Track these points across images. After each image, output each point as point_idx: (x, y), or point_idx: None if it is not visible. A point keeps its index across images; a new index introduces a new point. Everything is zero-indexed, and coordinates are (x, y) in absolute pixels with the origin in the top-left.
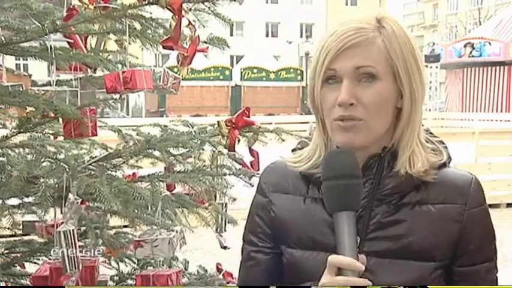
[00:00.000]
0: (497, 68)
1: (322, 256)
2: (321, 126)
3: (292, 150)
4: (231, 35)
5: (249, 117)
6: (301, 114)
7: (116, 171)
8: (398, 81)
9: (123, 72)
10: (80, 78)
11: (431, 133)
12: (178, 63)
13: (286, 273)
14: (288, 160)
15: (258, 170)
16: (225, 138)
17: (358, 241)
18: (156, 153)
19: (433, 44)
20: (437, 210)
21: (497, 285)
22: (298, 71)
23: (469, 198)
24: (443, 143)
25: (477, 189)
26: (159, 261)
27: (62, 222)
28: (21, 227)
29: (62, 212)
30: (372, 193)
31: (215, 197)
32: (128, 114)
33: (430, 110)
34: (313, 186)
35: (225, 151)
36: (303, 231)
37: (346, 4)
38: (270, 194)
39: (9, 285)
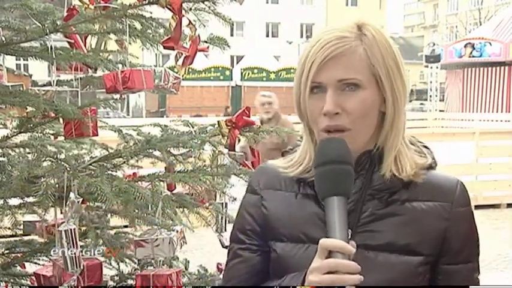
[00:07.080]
0: (498, 68)
1: (312, 248)
2: (308, 133)
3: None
4: (231, 35)
5: (249, 117)
6: None
7: (116, 171)
8: (381, 86)
9: (122, 71)
10: (81, 78)
11: (418, 141)
12: (176, 62)
13: (275, 268)
14: (279, 166)
15: None
16: (226, 138)
17: (350, 233)
18: (157, 153)
19: (434, 44)
20: (426, 207)
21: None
22: None
23: (455, 198)
24: (427, 148)
25: (463, 190)
26: (160, 261)
27: (63, 222)
28: (21, 227)
29: (62, 212)
30: (364, 188)
31: (215, 197)
32: (128, 114)
33: (430, 110)
34: (305, 185)
35: (225, 151)
36: (295, 225)
37: (347, 4)
38: (261, 191)
39: (9, 285)
